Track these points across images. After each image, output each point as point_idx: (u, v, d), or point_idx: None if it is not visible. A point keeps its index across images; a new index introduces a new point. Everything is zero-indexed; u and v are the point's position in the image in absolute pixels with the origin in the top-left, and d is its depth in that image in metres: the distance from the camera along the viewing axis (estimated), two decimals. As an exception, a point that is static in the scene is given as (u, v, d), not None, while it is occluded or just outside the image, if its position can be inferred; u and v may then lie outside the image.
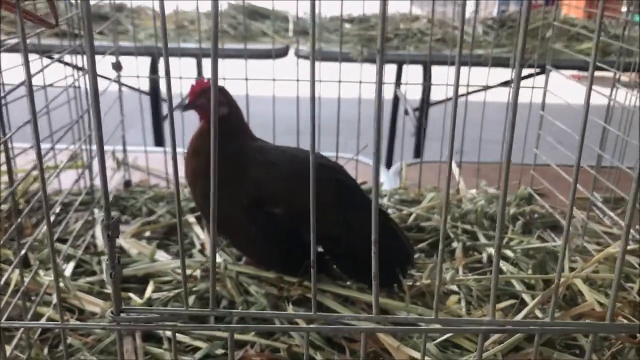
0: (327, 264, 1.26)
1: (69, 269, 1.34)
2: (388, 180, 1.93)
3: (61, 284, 1.23)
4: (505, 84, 2.92)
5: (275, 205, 1.21)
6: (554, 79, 1.78)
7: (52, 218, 1.54)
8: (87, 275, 1.33)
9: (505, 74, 3.08)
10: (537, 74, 3.15)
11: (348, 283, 1.26)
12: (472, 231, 1.55)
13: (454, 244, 1.48)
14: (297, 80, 1.71)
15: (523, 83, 1.74)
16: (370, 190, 1.73)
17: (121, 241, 1.47)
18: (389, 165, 3.18)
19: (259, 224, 1.22)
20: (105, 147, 0.66)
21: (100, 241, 1.47)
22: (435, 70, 3.23)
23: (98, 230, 1.52)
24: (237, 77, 1.70)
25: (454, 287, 1.27)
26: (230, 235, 1.30)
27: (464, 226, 1.56)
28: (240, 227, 1.23)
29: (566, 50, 2.59)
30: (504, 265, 1.38)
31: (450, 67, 1.81)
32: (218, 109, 1.33)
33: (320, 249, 1.26)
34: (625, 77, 1.67)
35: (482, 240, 1.50)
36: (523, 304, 1.20)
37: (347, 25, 3.64)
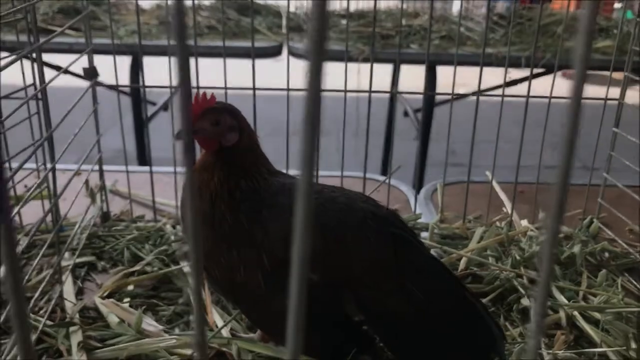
0: (374, 346, 0.94)
1: (26, 346, 1.00)
2: (419, 206, 1.61)
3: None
4: (513, 82, 2.63)
5: (309, 270, 0.89)
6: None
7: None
8: (51, 356, 1.00)
9: (515, 73, 2.81)
10: (543, 73, 2.89)
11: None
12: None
13: (524, 301, 1.17)
14: (288, 89, 1.40)
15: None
16: (415, 226, 1.44)
17: (97, 302, 1.14)
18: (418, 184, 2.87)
19: (286, 294, 0.88)
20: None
21: (70, 303, 1.13)
22: (440, 69, 2.96)
23: (68, 286, 1.18)
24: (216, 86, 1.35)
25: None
26: (245, 307, 0.98)
27: (530, 273, 1.25)
28: (259, 298, 0.91)
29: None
30: (593, 332, 1.08)
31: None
32: (224, 134, 1.01)
33: (363, 325, 0.94)
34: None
35: (557, 294, 1.19)
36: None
37: (343, 21, 3.34)
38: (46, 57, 2.49)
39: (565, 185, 0.29)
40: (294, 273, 0.30)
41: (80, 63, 1.36)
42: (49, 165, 1.25)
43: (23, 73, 1.24)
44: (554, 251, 0.30)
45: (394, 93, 2.95)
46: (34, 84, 1.22)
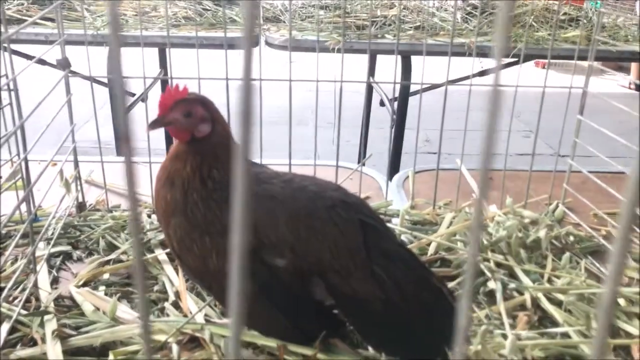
0: (345, 328, 0.98)
1: (1, 335, 1.02)
2: (391, 194, 1.64)
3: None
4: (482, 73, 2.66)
5: (278, 255, 0.91)
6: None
7: (-18, 259, 1.21)
8: (25, 345, 1.01)
9: (487, 62, 2.85)
10: (514, 63, 2.93)
11: (370, 350, 0.98)
12: (507, 264, 1.27)
13: (491, 284, 1.20)
14: (260, 79, 1.41)
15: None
16: (383, 213, 1.47)
17: (72, 290, 1.15)
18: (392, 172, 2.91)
19: (256, 280, 0.91)
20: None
21: (44, 292, 1.14)
22: (417, 57, 2.98)
23: (42, 276, 1.19)
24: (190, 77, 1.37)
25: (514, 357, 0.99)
26: (219, 293, 1.00)
27: (496, 257, 1.29)
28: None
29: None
30: (556, 313, 1.12)
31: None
32: (196, 126, 1.02)
33: (334, 309, 0.97)
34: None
35: (522, 277, 1.23)
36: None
37: (320, 12, 3.35)
38: (23, 48, 2.49)
39: (487, 169, 0.31)
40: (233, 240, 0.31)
41: (56, 54, 1.36)
42: (22, 156, 1.26)
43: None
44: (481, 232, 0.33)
45: (368, 83, 2.97)
46: (5, 75, 1.22)
